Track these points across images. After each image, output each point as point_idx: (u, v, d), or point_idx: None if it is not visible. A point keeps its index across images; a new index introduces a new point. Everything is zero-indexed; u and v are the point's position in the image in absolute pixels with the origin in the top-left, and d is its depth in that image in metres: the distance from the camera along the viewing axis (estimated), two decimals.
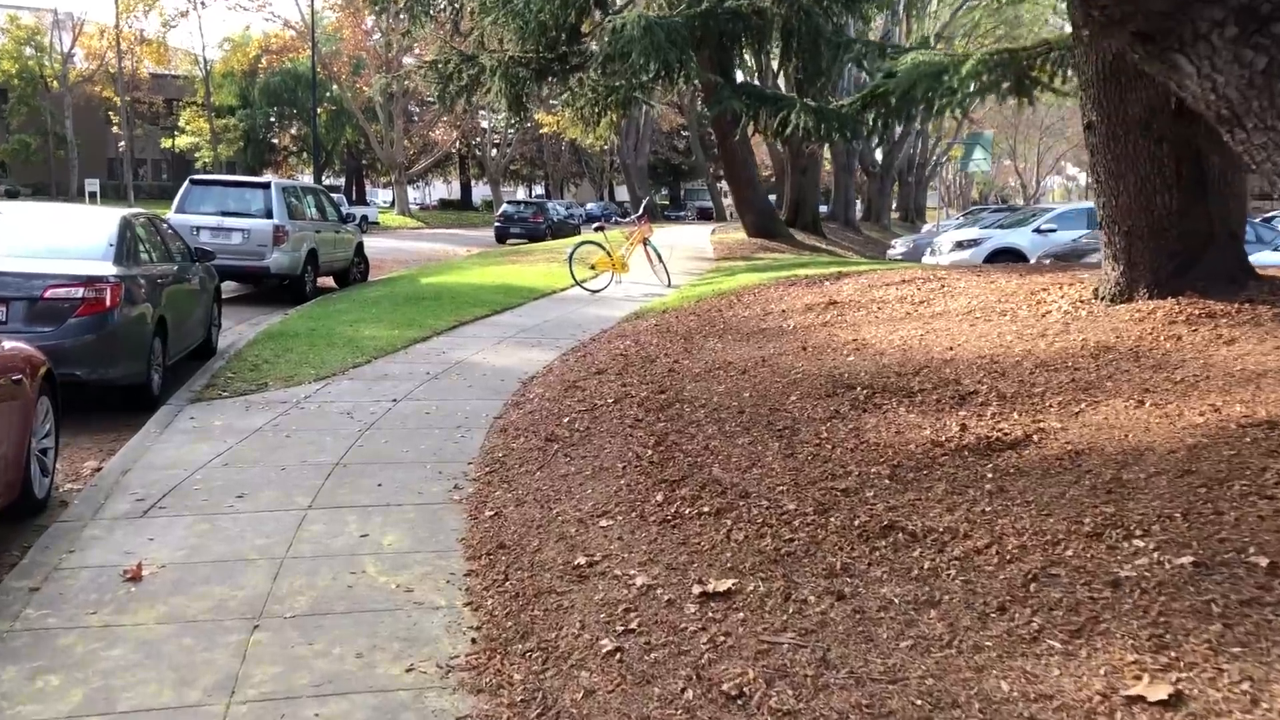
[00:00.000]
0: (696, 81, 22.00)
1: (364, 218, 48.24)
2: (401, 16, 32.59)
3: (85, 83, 57.99)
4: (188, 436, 7.81)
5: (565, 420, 7.76)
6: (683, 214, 76.28)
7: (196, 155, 63.52)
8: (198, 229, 16.86)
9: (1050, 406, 5.99)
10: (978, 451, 5.47)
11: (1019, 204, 78.06)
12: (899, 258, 30.15)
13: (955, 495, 4.93)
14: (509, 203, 44.91)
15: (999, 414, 6.02)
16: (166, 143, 65.69)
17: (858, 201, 48.55)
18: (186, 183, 17.81)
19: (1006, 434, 5.60)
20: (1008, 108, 52.62)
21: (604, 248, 17.17)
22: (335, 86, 59.88)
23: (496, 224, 41.95)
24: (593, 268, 17.18)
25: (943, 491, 4.99)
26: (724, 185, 71.54)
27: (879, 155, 49.90)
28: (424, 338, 12.32)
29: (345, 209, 45.09)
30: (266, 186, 17.53)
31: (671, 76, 19.79)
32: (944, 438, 5.75)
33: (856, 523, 4.75)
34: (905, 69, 13.47)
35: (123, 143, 55.45)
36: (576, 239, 22.11)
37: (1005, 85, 13.64)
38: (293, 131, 71.11)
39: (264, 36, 62.80)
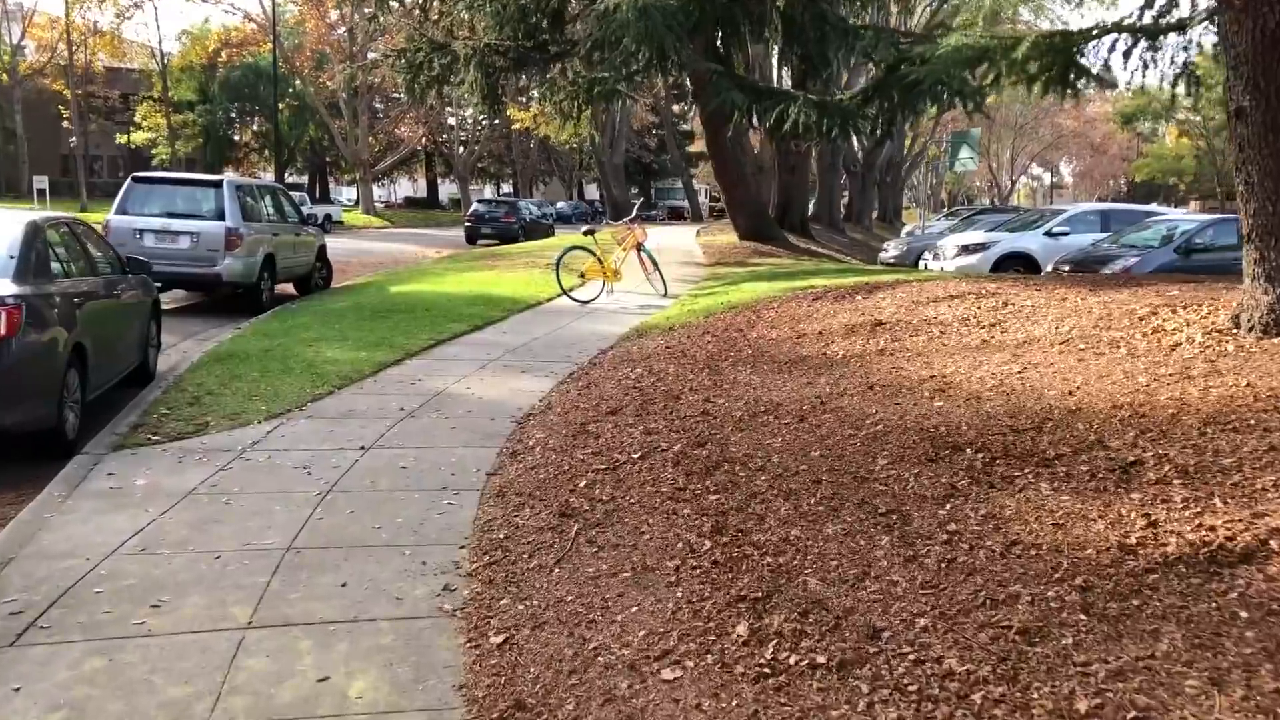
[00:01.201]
0: (688, 73, 20.41)
1: (327, 217, 46.35)
2: (366, 9, 30.86)
3: (36, 75, 55.59)
4: (100, 504, 6.11)
5: (582, 484, 6.11)
6: (653, 213, 74.59)
7: (154, 152, 61.19)
8: (140, 232, 15.15)
9: (1265, 490, 4.39)
10: (1197, 566, 3.86)
11: (984, 203, 76.75)
12: (891, 261, 28.67)
13: (1207, 652, 3.32)
14: (479, 202, 43.03)
15: (1193, 500, 4.42)
16: (122, 138, 63.27)
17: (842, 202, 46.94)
18: (128, 181, 16.02)
19: (1229, 537, 3.99)
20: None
21: (594, 253, 15.51)
22: (298, 81, 57.83)
23: (466, 224, 40.08)
24: (581, 276, 15.53)
25: (1183, 644, 3.38)
26: (699, 185, 70.20)
27: (858, 154, 48.39)
28: (396, 360, 10.63)
29: (307, 208, 43.20)
30: (218, 185, 15.77)
31: (664, 66, 18.14)
32: (1132, 538, 4.14)
33: (1079, 707, 3.12)
34: (945, 52, 11.90)
35: (74, 138, 53.07)
36: (565, 242, 20.46)
37: (1051, 74, 12.16)
38: (254, 128, 69.00)
39: (224, 29, 60.62)
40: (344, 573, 5.07)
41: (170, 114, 59.85)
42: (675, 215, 68.59)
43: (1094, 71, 12.72)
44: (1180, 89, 11.70)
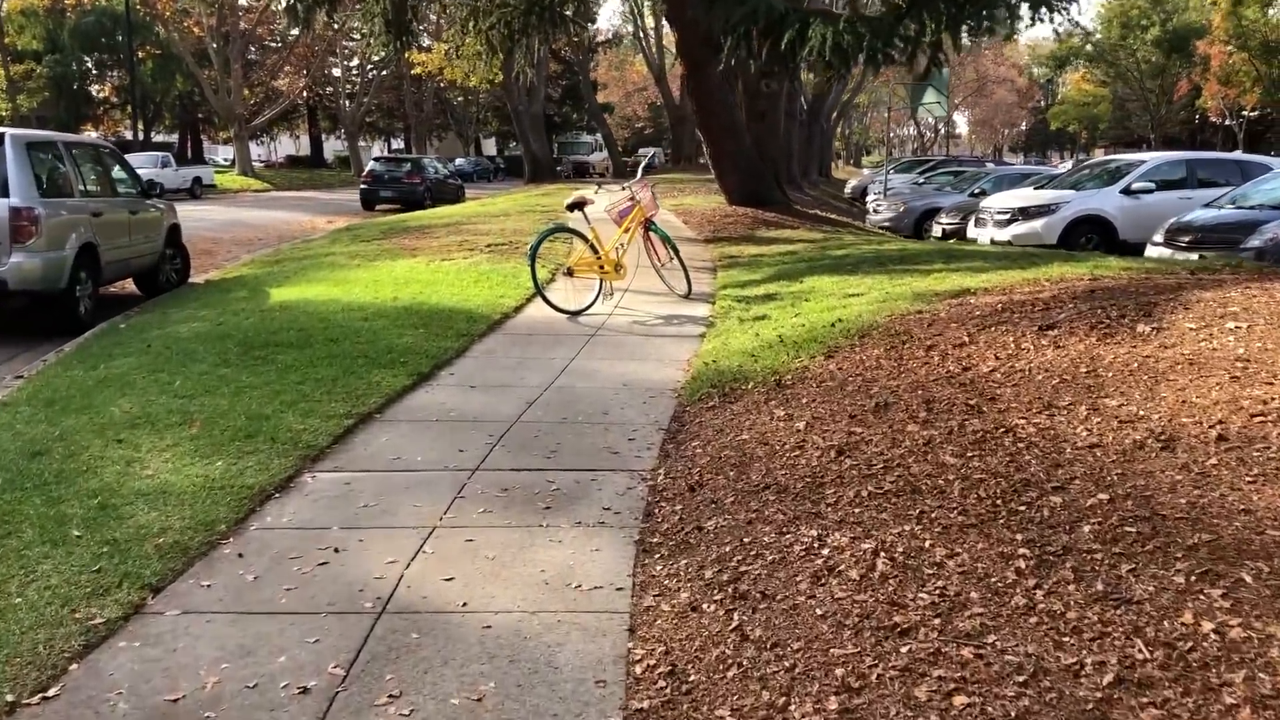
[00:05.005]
0: None
1: (197, 180, 40.11)
2: None
3: None
4: None
5: None
6: (559, 170, 68.62)
7: None
8: None
9: None
10: None
11: (881, 155, 72.05)
12: (886, 226, 23.93)
13: None
14: (377, 160, 36.90)
15: None
16: None
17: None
18: None
19: None
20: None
21: (586, 238, 10.23)
22: (161, 28, 50.61)
23: (363, 185, 34.01)
24: (569, 272, 10.28)
25: None
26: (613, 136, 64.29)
27: (806, 99, 43.19)
28: (284, 480, 5.39)
29: (172, 170, 36.62)
30: None
31: None
32: None
33: None
34: None
35: None
36: (540, 207, 15.24)
37: None
38: (114, 81, 61.17)
39: None
40: None
41: (8, 64, 52.02)
42: (580, 172, 62.69)
43: None
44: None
